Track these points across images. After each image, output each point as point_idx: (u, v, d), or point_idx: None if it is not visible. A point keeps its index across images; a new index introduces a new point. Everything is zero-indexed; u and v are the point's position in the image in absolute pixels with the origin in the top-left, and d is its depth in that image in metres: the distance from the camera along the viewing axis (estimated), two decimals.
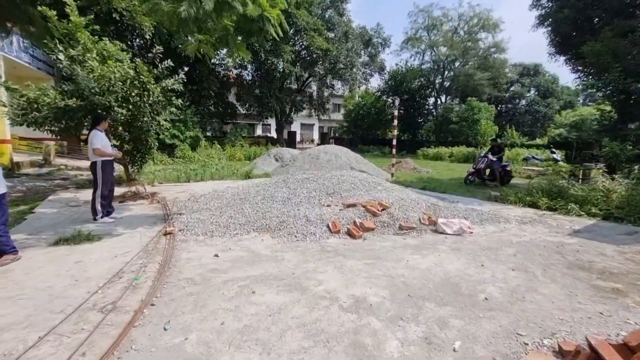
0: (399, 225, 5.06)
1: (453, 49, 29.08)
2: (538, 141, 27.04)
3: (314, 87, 31.51)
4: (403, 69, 30.91)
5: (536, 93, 36.51)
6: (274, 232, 4.90)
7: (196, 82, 21.89)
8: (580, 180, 10.74)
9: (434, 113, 32.11)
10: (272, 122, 37.89)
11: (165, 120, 8.09)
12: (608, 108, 8.33)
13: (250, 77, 24.68)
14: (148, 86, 7.18)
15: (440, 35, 30.41)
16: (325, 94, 30.63)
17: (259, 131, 41.09)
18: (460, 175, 14.23)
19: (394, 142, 11.80)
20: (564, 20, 9.67)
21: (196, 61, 20.26)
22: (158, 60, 7.87)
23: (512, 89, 36.45)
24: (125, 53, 7.82)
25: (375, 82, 69.71)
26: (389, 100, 33.32)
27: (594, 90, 7.66)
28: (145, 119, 7.35)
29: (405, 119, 32.80)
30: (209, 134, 24.83)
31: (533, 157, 18.47)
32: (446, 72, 31.06)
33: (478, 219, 5.87)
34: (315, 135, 47.66)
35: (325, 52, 22.74)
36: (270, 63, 20.70)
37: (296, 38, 23.38)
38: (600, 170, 6.69)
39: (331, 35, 25.22)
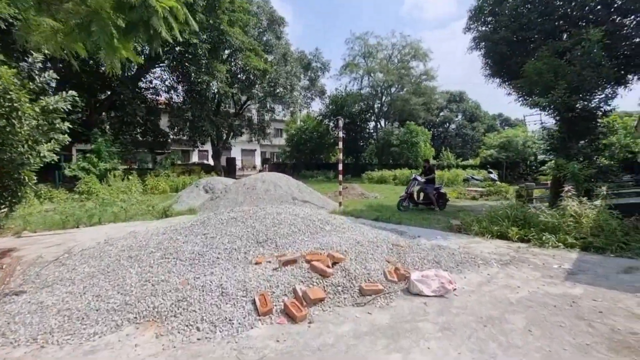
0: (359, 289, 3.52)
1: (389, 75, 30.14)
2: (471, 162, 28.63)
3: (254, 111, 29.99)
4: (343, 94, 31.07)
5: (463, 118, 39.73)
6: (164, 321, 2.99)
7: (118, 108, 18.85)
8: (530, 201, 10.62)
9: (375, 137, 32.62)
10: (209, 148, 35.28)
11: (52, 150, 5.96)
12: (554, 127, 8.08)
13: (181, 100, 22.24)
14: (17, 104, 4.99)
15: (376, 62, 31.49)
16: (266, 117, 29.22)
17: (195, 158, 37.86)
18: None
19: (340, 166, 10.60)
20: (499, 41, 9.57)
21: (120, 84, 17.50)
22: (36, 71, 5.77)
23: (442, 114, 39.20)
24: None
25: (317, 106, 70.82)
26: (332, 123, 33.13)
27: (539, 107, 7.23)
28: (19, 149, 5.14)
29: (348, 142, 32.66)
30: (135, 165, 21.48)
31: (473, 178, 18.93)
32: (384, 97, 32.01)
33: (452, 262, 4.64)
34: (258, 161, 45.55)
35: (263, 72, 21.50)
36: (201, 82, 18.69)
37: (232, 59, 21.87)
38: (569, 194, 6.03)
39: (270, 57, 24.23)
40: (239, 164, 41.26)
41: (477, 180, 18.98)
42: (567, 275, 4.16)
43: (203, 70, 18.70)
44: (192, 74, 18.78)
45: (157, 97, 22.47)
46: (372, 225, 7.44)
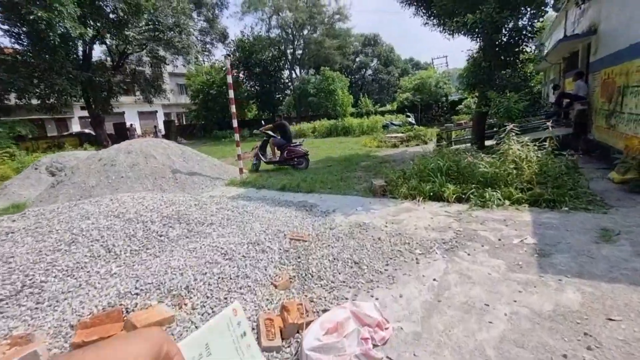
0: None
1: (298, 12, 26.73)
2: (388, 107, 28.27)
3: (147, 66, 23.83)
4: (250, 38, 26.82)
5: (378, 62, 38.95)
6: None
7: None
8: (450, 144, 9.83)
9: (291, 87, 29.81)
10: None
11: None
12: (476, 56, 6.78)
13: (22, 48, 15.92)
14: None
15: None
16: (163, 71, 23.77)
17: (76, 128, 30.19)
18: (327, 153, 11.92)
19: (234, 122, 8.12)
20: None
21: None
22: None
23: (358, 59, 37.69)
24: None
25: (221, 54, 62.95)
26: (242, 74, 29.07)
27: (465, 28, 5.68)
28: None
29: (262, 95, 29.36)
30: None
31: (392, 124, 18.17)
32: (296, 41, 28.74)
33: (379, 259, 2.98)
34: (162, 125, 38.95)
35: (135, 8, 16.45)
36: (37, 21, 13.26)
37: None
38: (512, 133, 4.78)
39: None
40: (137, 130, 34.79)
41: (395, 125, 18.31)
42: (539, 259, 2.81)
43: (38, 2, 13.26)
44: (22, 8, 13.20)
45: None
46: (275, 200, 5.49)
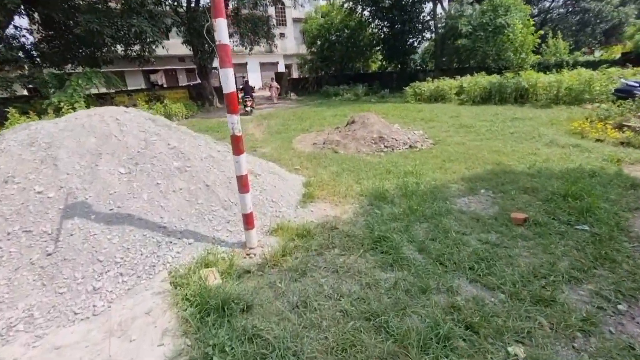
0: None
1: None
2: (597, 55, 16.89)
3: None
4: None
5: None
6: None
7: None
8: None
9: (432, 27, 21.45)
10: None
11: None
12: None
13: None
14: None
15: None
16: (268, 11, 19.72)
17: (184, 81, 29.38)
18: (495, 157, 5.19)
19: (228, 88, 2.70)
20: None
21: None
22: None
23: None
24: None
25: None
26: (367, 11, 22.46)
27: None
28: None
29: (390, 40, 22.25)
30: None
31: (634, 85, 9.01)
32: None
33: None
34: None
35: None
36: None
37: None
38: None
39: None
40: (257, 83, 33.33)
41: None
42: None
43: None
44: None
45: None
46: None
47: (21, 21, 14.12)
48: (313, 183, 4.39)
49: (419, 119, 9.48)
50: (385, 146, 6.24)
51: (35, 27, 14.39)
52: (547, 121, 8.06)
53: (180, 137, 4.04)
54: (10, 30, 13.33)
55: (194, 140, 4.09)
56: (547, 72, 12.52)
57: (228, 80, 2.51)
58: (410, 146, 6.22)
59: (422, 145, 6.27)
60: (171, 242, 2.81)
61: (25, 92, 15.24)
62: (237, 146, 2.64)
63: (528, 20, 15.36)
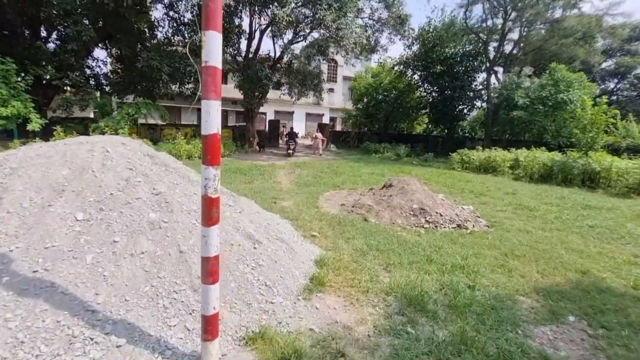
0: None
1: None
2: None
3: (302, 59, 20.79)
4: (437, 24, 19.71)
5: None
6: None
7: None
8: None
9: (484, 96, 20.76)
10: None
11: None
12: None
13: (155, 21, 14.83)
14: None
15: None
16: (319, 66, 20.31)
17: (232, 121, 30.68)
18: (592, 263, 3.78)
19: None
20: None
21: None
22: None
23: (613, 59, 23.58)
24: None
25: (397, 51, 53.13)
26: (417, 75, 22.51)
27: None
28: None
29: (438, 105, 21.79)
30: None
31: None
32: (507, 29, 19.30)
33: None
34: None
35: None
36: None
37: None
38: None
39: None
40: (301, 131, 34.10)
41: None
42: None
43: None
44: None
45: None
46: None
47: (100, 53, 15.77)
48: (328, 262, 3.34)
49: (468, 191, 8.24)
50: (426, 221, 5.10)
51: (110, 59, 15.96)
52: (633, 215, 6.47)
53: (174, 181, 3.31)
54: (90, 61, 14.79)
55: (189, 187, 3.33)
56: (621, 156, 10.91)
57: (209, 117, 1.71)
58: (459, 225, 5.01)
59: (473, 227, 5.04)
60: (91, 340, 1.87)
61: (85, 115, 16.42)
62: (209, 213, 1.76)
63: (591, 97, 14.08)
